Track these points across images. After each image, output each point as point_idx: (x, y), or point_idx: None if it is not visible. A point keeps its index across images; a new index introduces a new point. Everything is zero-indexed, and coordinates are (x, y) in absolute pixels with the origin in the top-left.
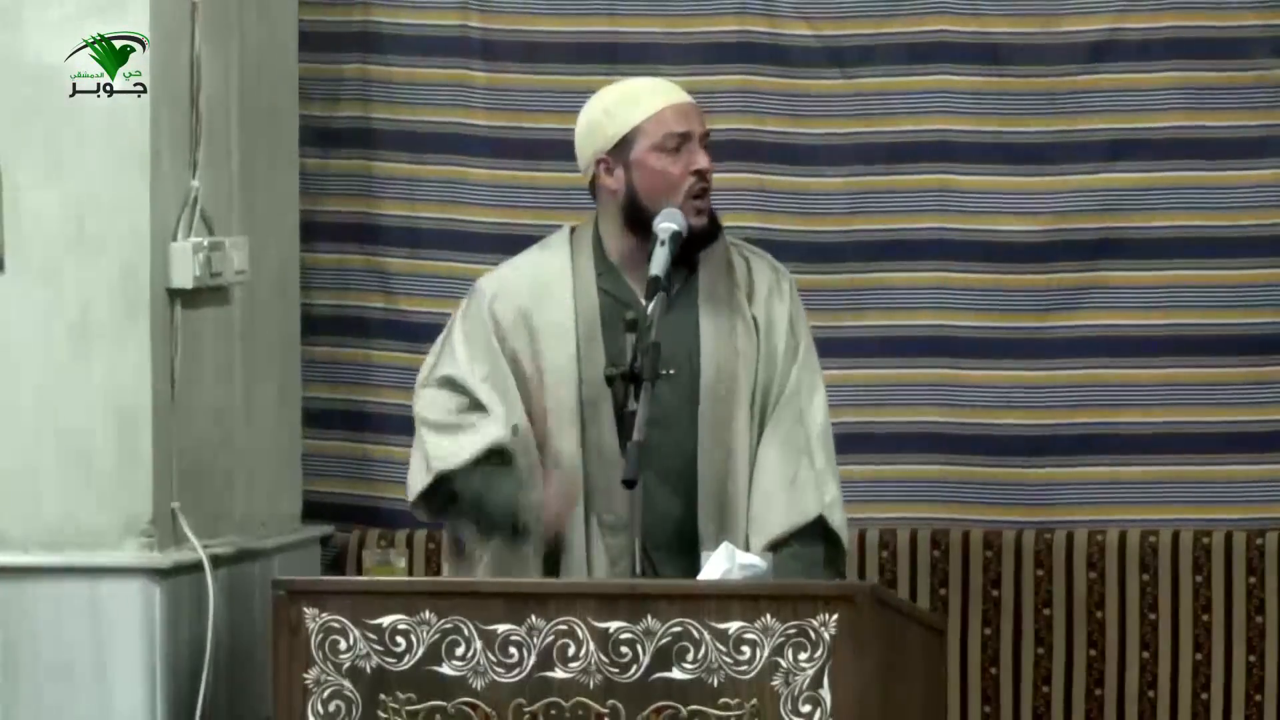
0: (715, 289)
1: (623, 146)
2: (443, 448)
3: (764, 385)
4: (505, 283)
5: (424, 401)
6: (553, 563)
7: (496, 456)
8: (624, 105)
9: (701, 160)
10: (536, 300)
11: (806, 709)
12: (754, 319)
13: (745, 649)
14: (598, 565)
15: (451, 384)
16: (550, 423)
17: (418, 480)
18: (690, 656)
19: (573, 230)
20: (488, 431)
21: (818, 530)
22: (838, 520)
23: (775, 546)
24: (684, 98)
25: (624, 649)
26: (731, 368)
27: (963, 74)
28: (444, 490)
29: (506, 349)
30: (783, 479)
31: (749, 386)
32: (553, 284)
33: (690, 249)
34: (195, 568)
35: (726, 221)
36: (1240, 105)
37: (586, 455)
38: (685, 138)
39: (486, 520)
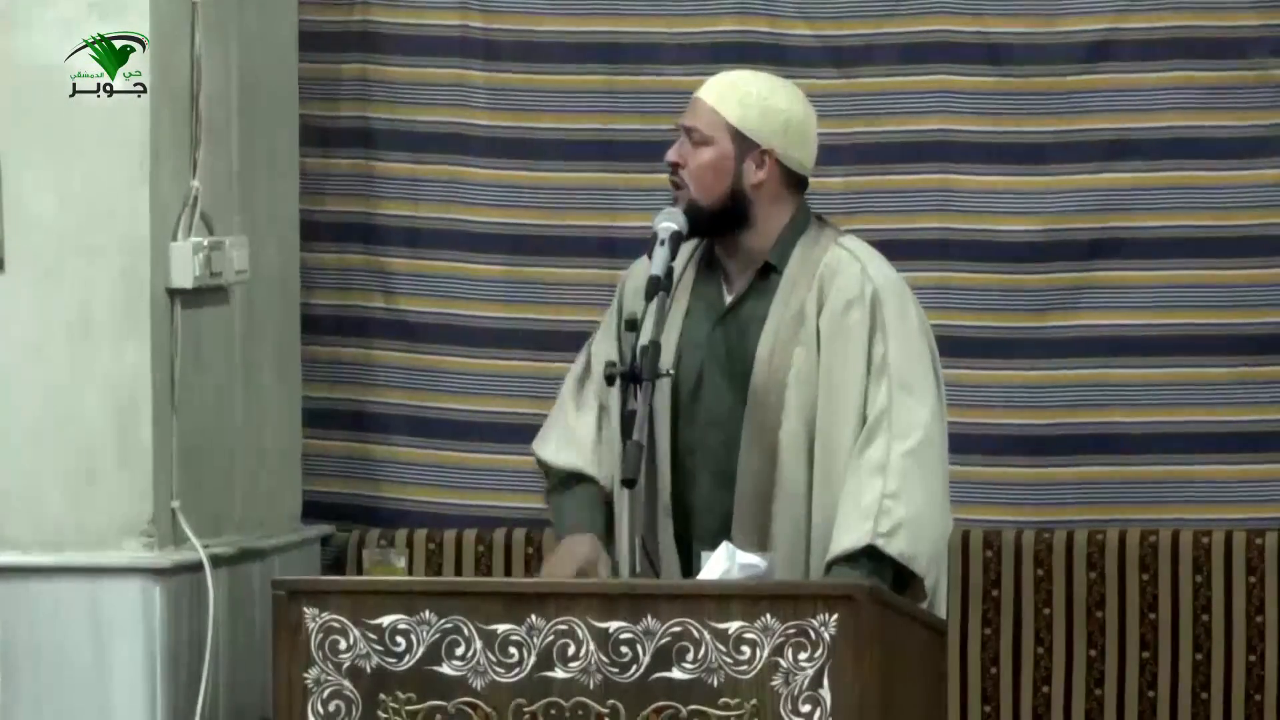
0: (794, 291)
1: None
2: (540, 437)
3: (830, 399)
4: (640, 268)
5: (566, 383)
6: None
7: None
8: None
9: (669, 153)
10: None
11: (806, 709)
12: (818, 332)
13: (745, 649)
14: (664, 544)
15: (588, 368)
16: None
17: (535, 444)
18: (690, 656)
19: None
20: (561, 454)
21: (871, 556)
22: (897, 547)
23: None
24: (698, 92)
25: (624, 649)
26: (781, 377)
27: (963, 74)
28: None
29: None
30: (851, 503)
31: (803, 399)
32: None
33: (692, 233)
34: (195, 568)
35: None
36: (1240, 105)
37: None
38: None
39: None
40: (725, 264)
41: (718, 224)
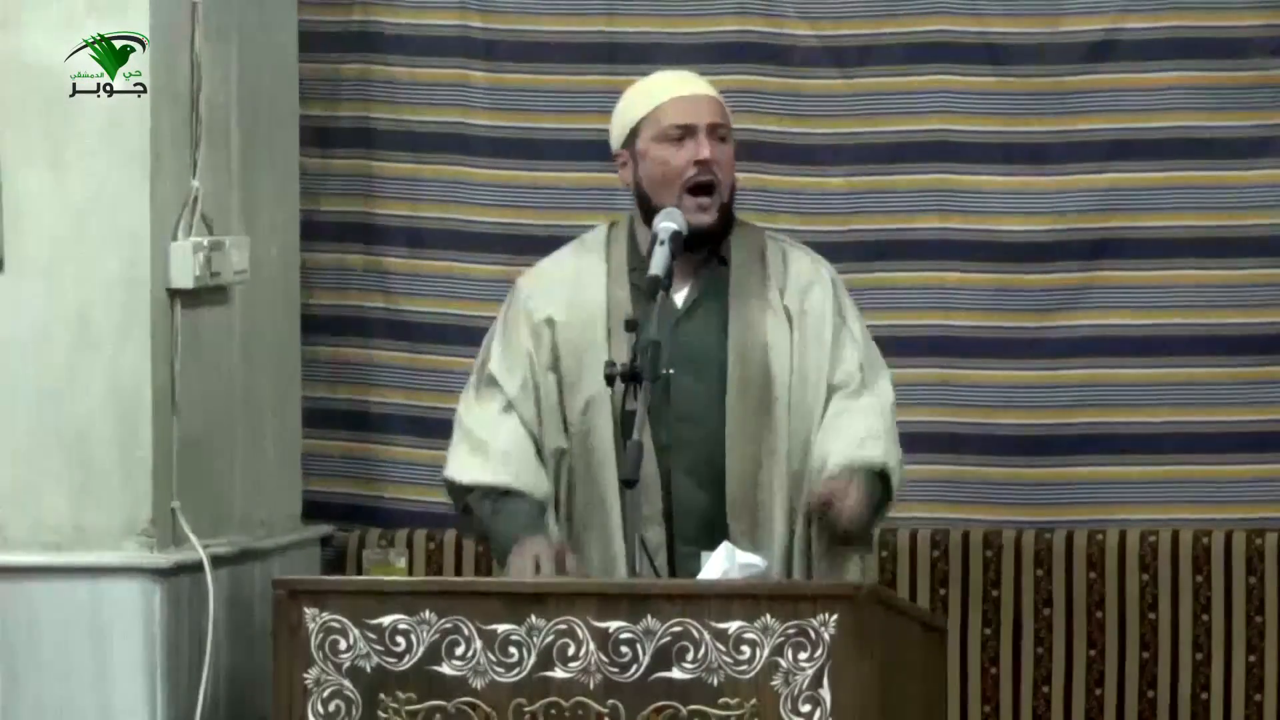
0: (746, 282)
1: (631, 138)
2: (460, 459)
3: (803, 373)
4: (541, 281)
5: (466, 402)
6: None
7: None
8: (636, 98)
9: (704, 150)
10: (571, 296)
11: (806, 709)
12: (786, 309)
13: (745, 649)
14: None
15: (492, 382)
16: (584, 418)
17: (449, 470)
18: (690, 656)
19: (611, 226)
20: (496, 471)
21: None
22: (896, 481)
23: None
24: (695, 89)
25: (624, 649)
26: (761, 360)
27: (963, 74)
28: (459, 495)
29: (541, 349)
30: (851, 434)
31: (785, 379)
32: (587, 279)
33: (702, 243)
34: (195, 568)
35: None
36: (1240, 105)
37: (619, 451)
38: (688, 130)
39: (492, 546)
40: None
41: (730, 223)
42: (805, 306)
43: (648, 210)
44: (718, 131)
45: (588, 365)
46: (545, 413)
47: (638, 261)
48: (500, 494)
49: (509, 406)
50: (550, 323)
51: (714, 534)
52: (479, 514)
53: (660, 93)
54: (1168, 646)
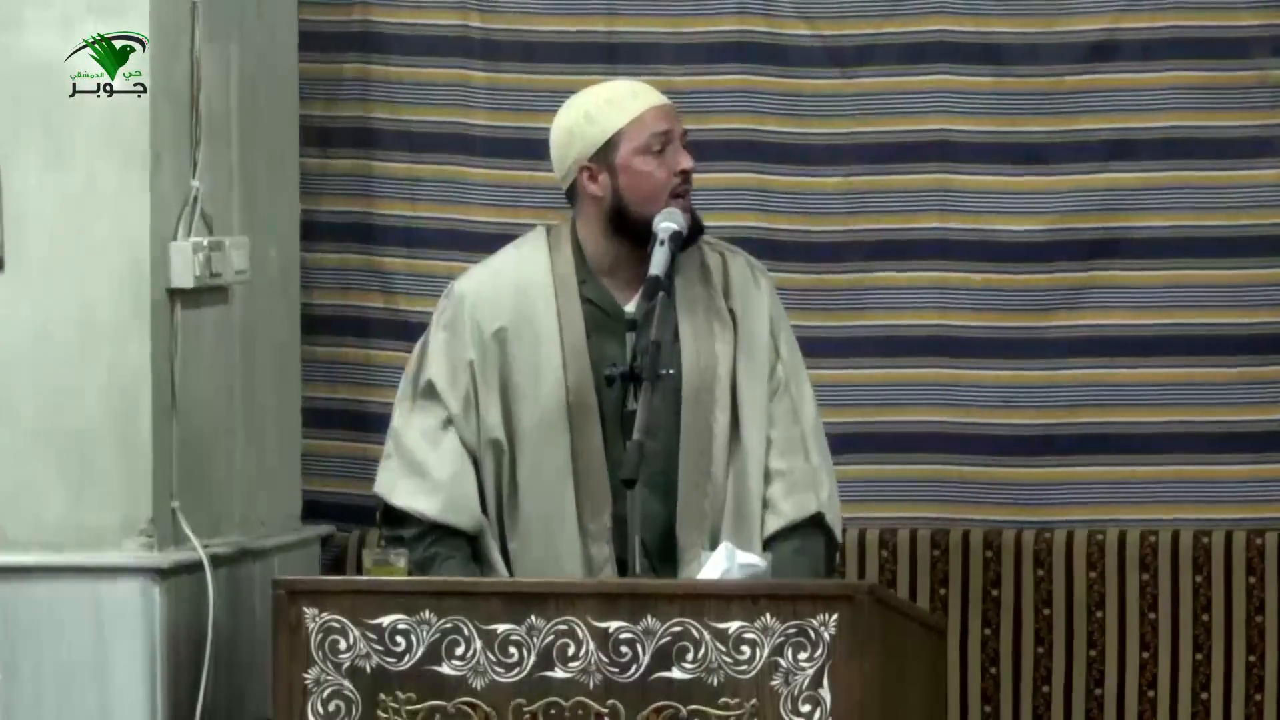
0: (692, 289)
1: (606, 150)
2: (393, 477)
3: (744, 376)
4: (485, 288)
5: (401, 411)
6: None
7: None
8: (606, 109)
9: (685, 160)
10: (519, 307)
11: (806, 709)
12: (730, 311)
13: (745, 649)
14: (578, 574)
15: (433, 394)
16: (536, 433)
17: (382, 487)
18: (690, 656)
19: (549, 231)
20: (435, 505)
21: (816, 525)
22: (832, 517)
23: (775, 540)
24: (662, 99)
25: (624, 649)
26: (711, 368)
27: (963, 74)
28: (391, 513)
29: (488, 364)
30: (781, 476)
31: (728, 383)
32: (535, 290)
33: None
34: (195, 567)
35: (726, 221)
36: (1240, 105)
37: (575, 465)
38: (667, 138)
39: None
40: (607, 278)
41: (700, 229)
42: (746, 308)
43: (622, 222)
44: (684, 138)
45: (541, 385)
46: (485, 427)
47: (586, 274)
48: (436, 532)
49: (448, 423)
50: (500, 336)
51: (671, 544)
52: (412, 552)
53: (633, 103)
54: (1168, 646)
